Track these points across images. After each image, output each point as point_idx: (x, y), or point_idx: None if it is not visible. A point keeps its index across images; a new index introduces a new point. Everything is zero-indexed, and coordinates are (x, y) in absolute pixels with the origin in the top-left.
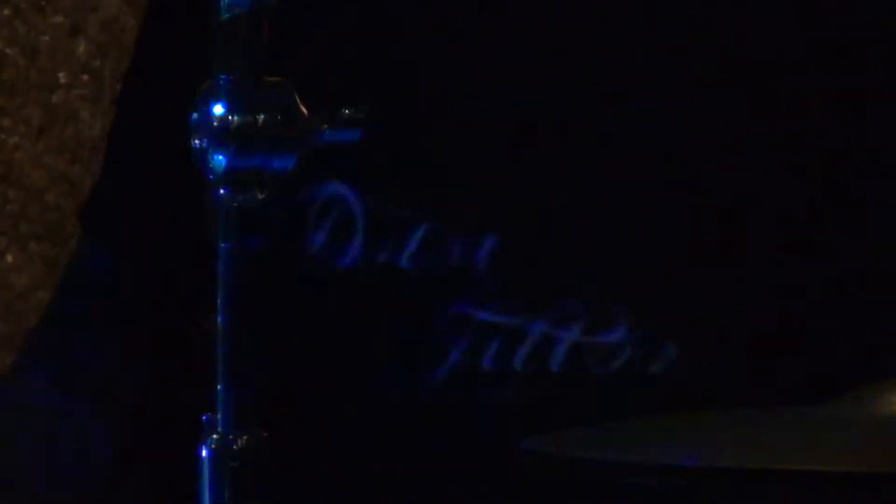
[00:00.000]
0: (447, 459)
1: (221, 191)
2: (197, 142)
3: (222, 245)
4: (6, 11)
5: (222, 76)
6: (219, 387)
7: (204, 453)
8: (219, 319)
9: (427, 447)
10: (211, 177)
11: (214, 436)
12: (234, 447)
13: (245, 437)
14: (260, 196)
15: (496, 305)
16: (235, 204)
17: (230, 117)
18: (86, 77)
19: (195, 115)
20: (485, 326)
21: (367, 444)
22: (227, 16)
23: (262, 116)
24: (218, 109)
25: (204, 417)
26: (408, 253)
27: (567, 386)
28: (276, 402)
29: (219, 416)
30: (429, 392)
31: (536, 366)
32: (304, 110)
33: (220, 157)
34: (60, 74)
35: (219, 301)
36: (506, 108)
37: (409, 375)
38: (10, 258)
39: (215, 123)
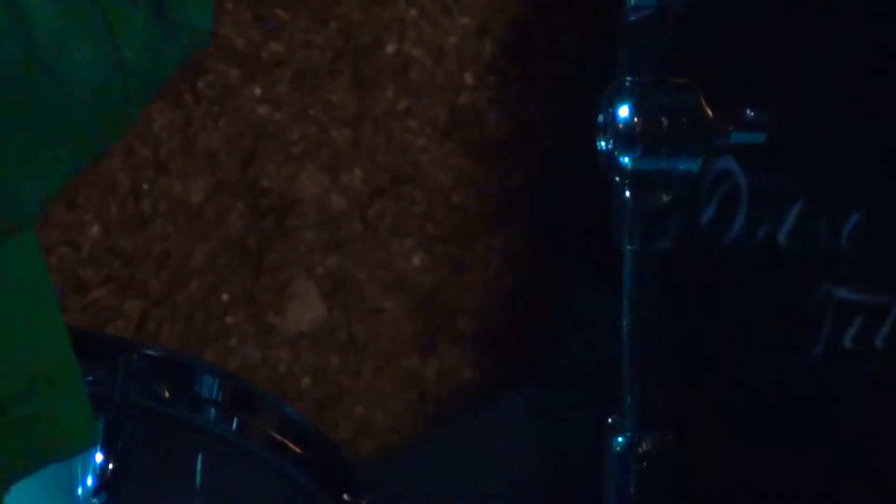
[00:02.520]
0: (814, 443)
1: (627, 192)
2: (602, 143)
3: (628, 247)
4: (413, 12)
5: (628, 78)
6: (626, 388)
7: (611, 455)
8: (623, 321)
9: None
10: (616, 178)
11: (621, 438)
12: (641, 449)
13: (652, 439)
14: (665, 198)
15: (859, 283)
16: (641, 206)
17: (636, 119)
18: (492, 78)
19: (601, 117)
20: (847, 304)
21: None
22: (633, 18)
23: (667, 118)
24: (623, 111)
25: (609, 420)
26: (785, 229)
27: None
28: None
29: (625, 418)
30: (799, 371)
31: None
32: (709, 112)
33: (626, 159)
34: (466, 75)
35: (624, 303)
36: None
37: (781, 355)
38: (416, 259)
39: (621, 125)
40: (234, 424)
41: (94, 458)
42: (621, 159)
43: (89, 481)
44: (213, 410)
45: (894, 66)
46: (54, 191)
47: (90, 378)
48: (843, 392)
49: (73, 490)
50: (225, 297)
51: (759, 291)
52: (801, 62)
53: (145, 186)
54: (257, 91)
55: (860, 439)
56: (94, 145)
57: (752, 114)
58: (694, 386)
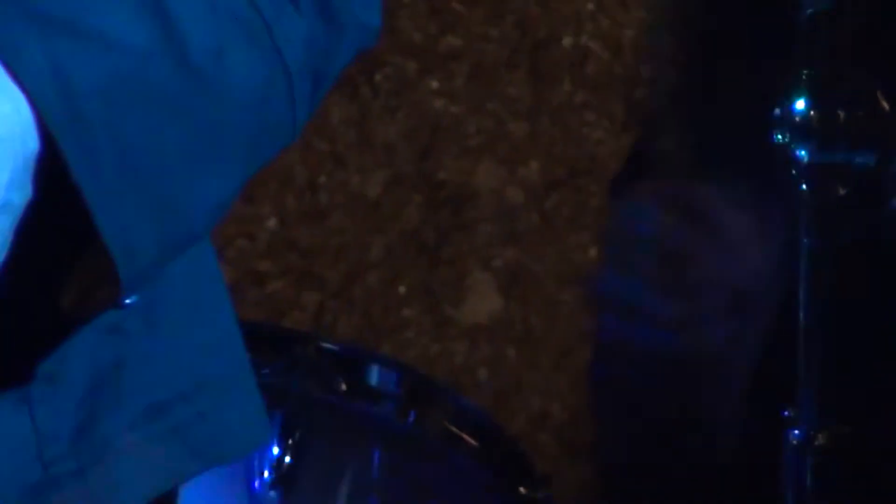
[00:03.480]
0: None
1: (803, 186)
2: (778, 136)
3: (805, 241)
4: (590, 6)
5: (805, 71)
6: (802, 381)
7: (786, 448)
8: (801, 316)
9: None
10: (792, 172)
11: (796, 431)
12: (816, 443)
13: (827, 433)
14: (842, 192)
15: None
16: (818, 199)
17: (812, 112)
18: (669, 71)
19: (777, 110)
20: None
21: None
22: (810, 11)
23: (843, 111)
24: (800, 104)
25: (785, 412)
26: None
27: None
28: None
29: (799, 411)
30: None
31: None
32: (886, 105)
33: (802, 153)
34: (643, 69)
35: (801, 297)
36: None
37: None
38: (592, 252)
39: (797, 118)
40: (412, 417)
41: (271, 451)
42: (797, 152)
43: (265, 474)
44: (389, 403)
45: None
46: (226, 203)
47: (266, 371)
48: None
49: (249, 482)
50: (402, 289)
51: None
52: None
53: (322, 179)
54: (434, 84)
55: None
56: (262, 153)
57: None
58: (875, 379)
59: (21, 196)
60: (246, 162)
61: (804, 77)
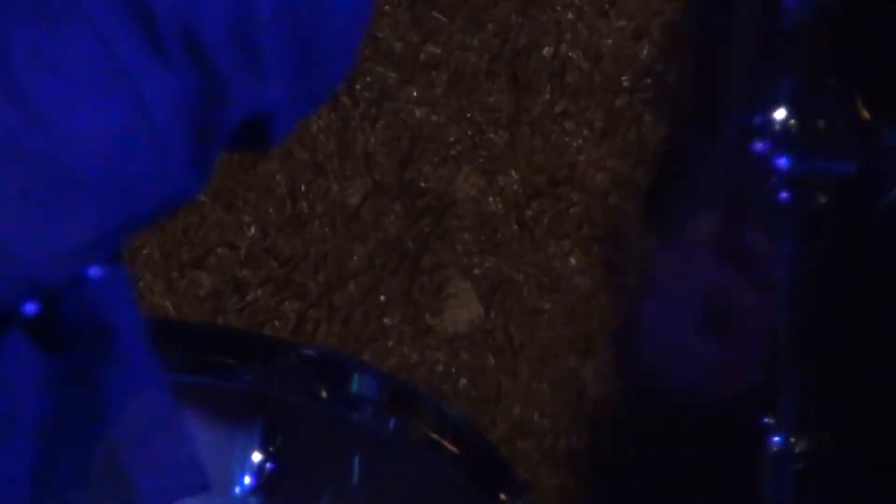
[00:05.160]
0: None
1: (783, 195)
2: (758, 145)
3: (785, 249)
4: (569, 15)
5: (784, 80)
6: (781, 388)
7: (766, 455)
8: (780, 323)
9: None
10: (772, 180)
11: (776, 438)
12: (796, 450)
13: (806, 440)
14: (822, 200)
15: None
16: (798, 208)
17: (792, 121)
18: (649, 81)
19: (757, 119)
20: None
21: None
22: (789, 21)
23: (823, 120)
24: (780, 114)
25: (765, 420)
26: None
27: None
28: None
29: (779, 418)
30: None
31: None
32: (866, 114)
33: (782, 161)
34: (624, 78)
35: (781, 303)
36: None
37: None
38: (573, 261)
39: (777, 127)
40: (392, 424)
41: (252, 458)
42: (777, 161)
43: (247, 480)
44: (370, 410)
45: None
46: (79, 252)
47: (248, 378)
48: None
49: (230, 489)
50: (382, 298)
51: None
52: None
53: (303, 188)
54: (414, 93)
55: None
56: (132, 206)
57: None
58: (853, 388)
59: None
60: (103, 213)
61: (784, 86)
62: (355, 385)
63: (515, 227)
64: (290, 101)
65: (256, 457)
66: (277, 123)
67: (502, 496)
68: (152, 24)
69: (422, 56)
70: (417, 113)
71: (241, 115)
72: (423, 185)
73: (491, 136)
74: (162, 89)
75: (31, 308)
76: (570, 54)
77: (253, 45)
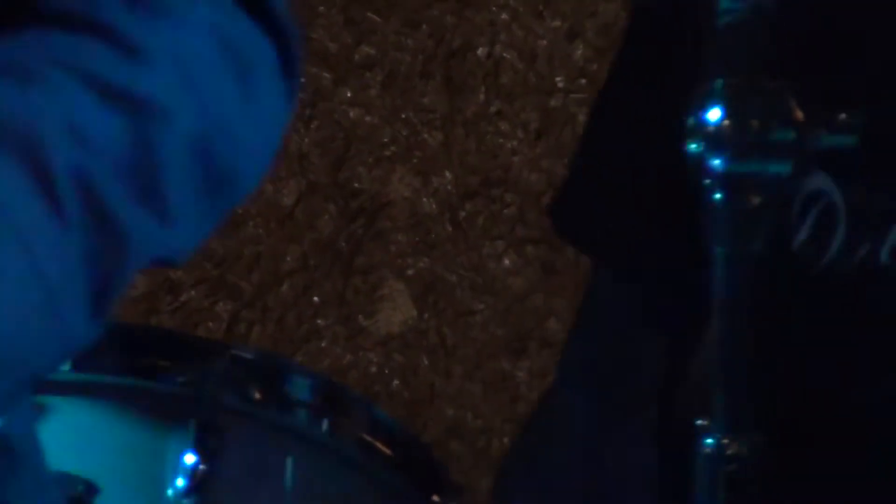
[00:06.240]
0: None
1: (717, 195)
2: (693, 146)
3: (718, 249)
4: (504, 16)
5: (718, 80)
6: (715, 390)
7: (700, 457)
8: (713, 323)
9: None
10: (707, 181)
11: (710, 440)
12: (729, 452)
13: (741, 442)
14: (756, 201)
15: None
16: (731, 208)
17: (726, 122)
18: (583, 81)
19: (691, 120)
20: None
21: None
22: (724, 20)
23: (757, 121)
24: (714, 114)
25: (699, 421)
26: (888, 247)
27: None
28: (773, 406)
29: (715, 420)
30: None
31: None
32: (801, 114)
33: (717, 162)
34: (558, 78)
35: (714, 305)
36: None
37: (882, 374)
38: (507, 262)
39: (711, 128)
40: (325, 426)
41: (185, 460)
42: (712, 162)
43: (179, 482)
44: (303, 412)
45: None
46: None
47: (181, 379)
48: None
49: (162, 491)
50: (316, 299)
51: (860, 311)
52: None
53: None
54: (349, 94)
55: None
56: (26, 359)
57: (844, 116)
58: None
59: None
60: None
61: (718, 86)
62: (288, 387)
63: (449, 227)
64: (193, 232)
65: (189, 458)
66: (181, 256)
67: (435, 498)
68: (48, 178)
69: (356, 57)
70: (352, 113)
71: (144, 262)
72: (357, 185)
73: (425, 136)
74: (57, 248)
75: None
76: (505, 55)
77: (155, 188)
